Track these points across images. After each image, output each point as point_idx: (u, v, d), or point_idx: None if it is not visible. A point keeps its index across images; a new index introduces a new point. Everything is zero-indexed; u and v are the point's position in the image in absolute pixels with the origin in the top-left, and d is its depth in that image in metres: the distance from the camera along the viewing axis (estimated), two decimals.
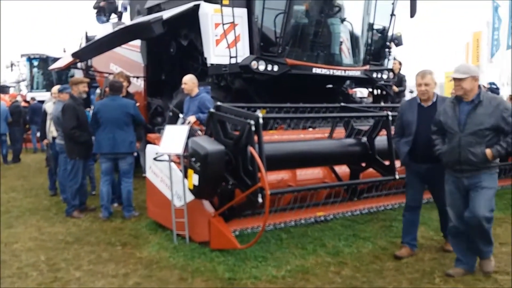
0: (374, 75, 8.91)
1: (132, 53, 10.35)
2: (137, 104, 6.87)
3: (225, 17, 7.60)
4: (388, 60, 18.55)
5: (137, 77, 10.20)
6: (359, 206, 6.19)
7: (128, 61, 10.55)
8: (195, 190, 4.58)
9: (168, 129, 5.04)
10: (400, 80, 10.70)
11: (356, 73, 8.47)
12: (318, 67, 7.93)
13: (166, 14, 8.05)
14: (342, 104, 6.88)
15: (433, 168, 4.62)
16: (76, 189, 6.55)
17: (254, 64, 7.43)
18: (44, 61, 19.34)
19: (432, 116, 4.55)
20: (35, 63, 19.74)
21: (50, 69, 14.57)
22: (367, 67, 8.78)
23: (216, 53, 7.97)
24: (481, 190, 4.12)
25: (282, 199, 5.78)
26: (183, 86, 6.81)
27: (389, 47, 9.71)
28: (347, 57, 8.49)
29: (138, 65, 10.18)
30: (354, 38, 8.57)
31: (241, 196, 4.52)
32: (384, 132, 5.71)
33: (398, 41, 21.50)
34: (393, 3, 8.96)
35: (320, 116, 6.21)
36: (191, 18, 8.19)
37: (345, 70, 8.24)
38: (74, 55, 9.37)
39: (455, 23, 61.22)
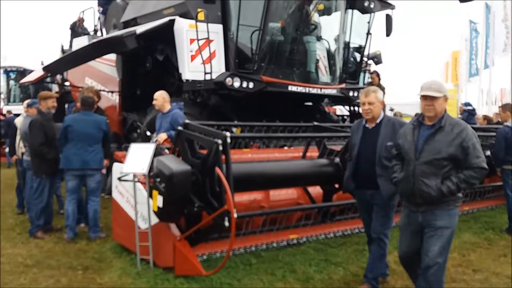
0: (351, 93, 8.87)
1: (107, 67, 10.17)
2: (108, 120, 6.67)
3: (200, 33, 7.51)
4: (366, 78, 18.76)
5: (112, 92, 10.01)
6: (332, 229, 6.04)
7: (103, 75, 10.36)
8: (159, 212, 4.39)
9: (134, 147, 4.86)
10: None
11: (332, 91, 8.41)
12: (294, 85, 7.85)
13: (140, 28, 7.91)
14: (315, 123, 6.79)
15: (377, 194, 4.27)
16: (41, 208, 6.29)
17: (229, 80, 7.32)
18: (22, 74, 18.99)
19: (375, 139, 4.25)
20: (12, 75, 19.40)
21: (21, 83, 14.26)
22: (344, 85, 8.73)
23: (191, 69, 7.86)
24: (435, 231, 3.63)
25: (253, 222, 5.62)
26: (153, 102, 6.65)
27: (366, 66, 9.66)
28: (323, 75, 8.42)
29: (113, 79, 10.00)
30: (330, 56, 8.52)
31: (208, 219, 4.34)
32: None
33: (377, 60, 21.68)
34: (369, 22, 8.97)
35: (291, 136, 6.06)
36: (166, 33, 8.06)
37: (321, 88, 8.16)
38: (45, 69, 9.16)
39: (436, 41, 62.20)
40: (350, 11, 8.67)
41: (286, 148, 6.95)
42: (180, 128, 4.75)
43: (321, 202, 5.90)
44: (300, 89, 7.88)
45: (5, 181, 12.09)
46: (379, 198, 4.27)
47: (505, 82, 19.63)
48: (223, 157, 4.27)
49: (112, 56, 9.81)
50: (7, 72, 19.24)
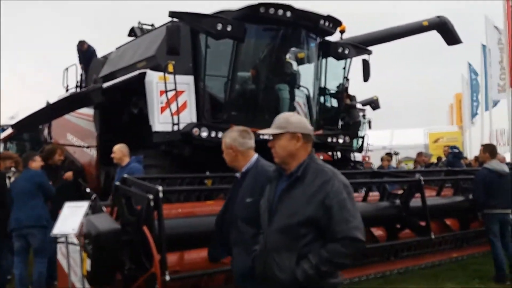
0: (329, 139, 8.61)
1: (85, 122, 10.10)
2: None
3: (169, 85, 7.42)
4: (363, 123, 18.51)
5: (89, 147, 9.90)
6: None
7: (82, 130, 10.28)
8: (88, 276, 4.10)
9: (68, 206, 4.62)
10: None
11: None
12: (264, 134, 7.62)
13: (107, 83, 7.86)
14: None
15: None
16: None
17: (195, 131, 7.15)
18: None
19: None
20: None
21: None
22: (321, 131, 8.51)
23: (161, 121, 7.72)
24: None
25: (215, 279, 5.27)
26: (112, 155, 6.48)
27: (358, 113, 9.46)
28: None
29: (92, 133, 9.91)
30: (304, 103, 8.36)
31: (138, 283, 4.02)
32: None
33: (375, 105, 21.59)
34: (344, 68, 8.85)
35: None
36: (139, 86, 8.01)
37: None
38: (14, 126, 9.13)
39: (439, 83, 62.37)
40: (324, 58, 8.59)
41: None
42: (117, 183, 4.52)
43: None
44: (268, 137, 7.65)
45: None
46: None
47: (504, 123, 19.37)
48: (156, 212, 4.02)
49: (91, 111, 9.77)
50: (3, 129, 19.35)
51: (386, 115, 36.93)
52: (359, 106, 18.98)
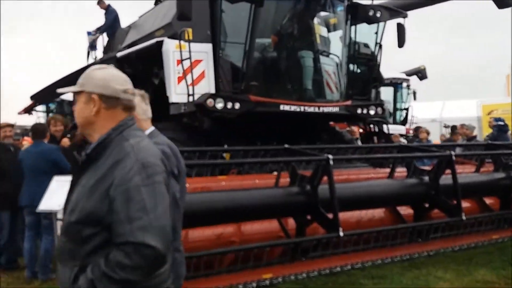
0: (359, 110, 8.00)
1: None
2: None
3: (186, 53, 7.05)
4: (408, 94, 17.52)
5: None
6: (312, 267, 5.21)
7: None
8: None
9: (57, 180, 4.36)
10: None
11: (333, 109, 7.60)
12: (287, 104, 7.15)
13: (121, 52, 7.57)
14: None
15: None
16: (1, 246, 5.92)
17: (210, 102, 6.75)
18: (60, 105, 19.39)
19: None
20: (52, 107, 19.80)
21: (18, 113, 14.22)
22: (349, 102, 7.91)
23: (178, 91, 7.36)
24: None
25: (220, 259, 4.94)
26: None
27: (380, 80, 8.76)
28: (323, 93, 7.68)
29: None
30: (331, 71, 7.77)
31: None
32: None
33: (421, 75, 20.50)
34: (376, 33, 8.15)
35: (255, 161, 5.30)
36: (158, 55, 7.69)
37: (319, 107, 7.39)
38: (32, 97, 9.02)
39: (495, 52, 58.45)
40: (353, 22, 7.93)
41: (275, 173, 6.27)
42: None
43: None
44: (294, 108, 7.17)
45: None
46: None
47: None
48: None
49: None
50: (46, 103, 19.64)
51: (438, 86, 35.20)
52: (403, 76, 18.07)
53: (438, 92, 31.24)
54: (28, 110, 8.45)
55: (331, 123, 9.62)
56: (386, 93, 17.92)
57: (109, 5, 10.85)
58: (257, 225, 5.36)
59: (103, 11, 10.80)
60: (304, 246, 4.91)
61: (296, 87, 7.40)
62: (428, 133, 10.10)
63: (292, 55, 7.38)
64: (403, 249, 5.76)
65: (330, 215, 4.68)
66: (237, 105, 6.91)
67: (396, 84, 17.18)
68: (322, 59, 7.65)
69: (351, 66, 8.10)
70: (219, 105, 6.79)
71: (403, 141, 11.90)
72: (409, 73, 19.30)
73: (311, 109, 7.31)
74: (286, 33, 7.40)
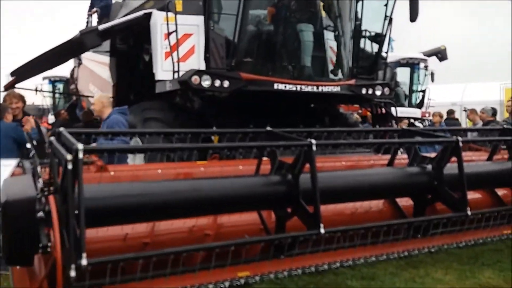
0: (363, 91, 7.35)
1: (104, 71, 9.45)
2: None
3: (180, 27, 6.53)
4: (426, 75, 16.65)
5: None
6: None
7: (102, 80, 9.65)
8: (3, 254, 3.35)
9: (2, 164, 3.88)
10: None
11: (334, 89, 6.97)
12: (281, 82, 6.55)
13: (104, 25, 7.03)
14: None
15: None
16: None
17: (195, 79, 6.20)
18: (67, 83, 19.10)
19: None
20: (58, 85, 19.57)
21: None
22: (353, 81, 7.27)
23: (165, 68, 6.82)
24: None
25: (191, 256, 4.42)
26: (91, 107, 5.71)
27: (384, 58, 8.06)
28: (322, 70, 7.04)
29: (110, 84, 9.25)
30: (331, 47, 7.12)
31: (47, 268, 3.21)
32: None
33: (441, 55, 19.53)
34: (386, 5, 7.44)
35: (221, 146, 4.70)
36: (147, 29, 7.16)
37: (317, 86, 6.77)
38: (12, 73, 8.57)
39: None
40: None
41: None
42: (52, 138, 3.67)
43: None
44: (289, 87, 6.57)
45: None
46: None
47: None
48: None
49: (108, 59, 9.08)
50: (52, 82, 19.42)
51: (459, 67, 33.81)
52: (421, 56, 17.19)
53: (459, 75, 29.86)
54: (9, 87, 8.09)
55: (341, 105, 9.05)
56: (402, 74, 17.12)
57: None
58: (235, 216, 4.83)
59: None
60: (281, 244, 4.35)
61: (293, 64, 6.78)
62: (441, 116, 9.38)
63: (290, 28, 6.74)
64: (400, 245, 5.16)
65: (311, 208, 4.11)
66: (226, 83, 6.35)
67: (412, 64, 16.36)
68: (323, 33, 7.00)
69: (356, 42, 7.43)
70: (206, 82, 6.24)
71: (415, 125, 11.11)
72: (428, 54, 18.40)
73: (308, 89, 6.70)
74: (284, 4, 6.74)
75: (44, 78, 19.56)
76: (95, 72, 9.90)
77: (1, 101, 6.84)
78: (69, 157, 3.11)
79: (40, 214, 3.29)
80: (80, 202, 3.07)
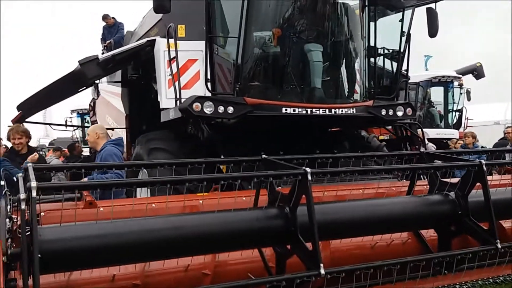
0: (383, 112, 6.80)
1: (119, 102, 9.28)
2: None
3: (181, 53, 6.26)
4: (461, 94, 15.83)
5: (120, 128, 9.07)
6: None
7: (116, 111, 9.49)
8: None
9: None
10: None
11: (349, 111, 6.45)
12: (290, 106, 6.10)
13: (104, 54, 6.84)
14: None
15: None
16: None
17: (196, 106, 5.83)
18: None
19: None
20: (87, 118, 19.76)
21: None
22: (370, 102, 6.74)
23: (169, 96, 6.56)
24: None
25: None
26: (86, 138, 5.44)
27: (406, 77, 7.51)
28: (335, 92, 6.57)
29: (122, 114, 9.06)
30: (344, 67, 6.64)
31: None
32: None
33: (478, 73, 18.68)
34: (401, 20, 6.96)
35: (199, 178, 4.11)
36: (152, 57, 6.96)
37: (330, 109, 6.28)
38: (19, 107, 8.46)
39: None
40: (371, 8, 6.77)
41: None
42: (19, 175, 3.37)
43: None
44: (299, 110, 6.11)
45: None
46: None
47: None
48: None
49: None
50: (81, 115, 19.66)
51: (503, 85, 32.43)
52: (454, 74, 16.41)
53: (503, 93, 28.62)
54: (17, 122, 8.03)
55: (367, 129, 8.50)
56: (436, 93, 16.41)
57: (115, 20, 10.30)
58: (236, 253, 4.37)
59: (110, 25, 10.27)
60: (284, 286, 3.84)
61: (302, 87, 6.32)
62: (474, 137, 8.68)
63: (297, 49, 6.31)
64: (425, 283, 4.56)
65: (310, 246, 3.60)
66: (230, 109, 5.95)
67: (445, 82, 15.61)
68: (333, 53, 6.55)
69: (372, 61, 6.94)
70: (208, 109, 5.86)
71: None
72: (463, 72, 17.63)
73: (320, 112, 6.22)
74: (290, 24, 6.35)
75: (72, 111, 19.84)
76: (111, 104, 9.76)
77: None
78: (22, 195, 2.78)
79: (3, 258, 2.97)
80: (34, 245, 2.72)
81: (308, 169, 3.56)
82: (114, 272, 3.79)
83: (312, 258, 3.54)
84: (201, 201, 4.50)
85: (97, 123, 11.46)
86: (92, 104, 12.16)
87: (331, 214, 3.91)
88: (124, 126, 8.94)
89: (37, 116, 10.60)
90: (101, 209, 4.05)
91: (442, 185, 4.54)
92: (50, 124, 12.86)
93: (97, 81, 11.10)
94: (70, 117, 19.64)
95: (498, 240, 4.13)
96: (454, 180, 4.56)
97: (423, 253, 4.69)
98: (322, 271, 3.46)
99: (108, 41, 10.19)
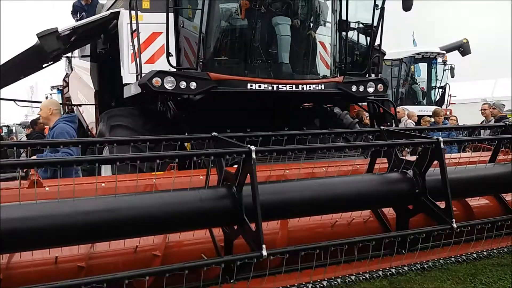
0: (353, 88, 6.64)
1: (88, 77, 9.02)
2: None
3: (144, 25, 6.03)
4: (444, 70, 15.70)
5: (90, 105, 8.83)
6: None
7: (87, 87, 9.22)
8: None
9: None
10: None
11: (317, 87, 6.28)
12: (255, 82, 5.91)
13: (64, 27, 6.56)
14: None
15: None
16: None
17: (156, 81, 5.62)
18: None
19: None
20: None
21: None
22: (340, 78, 6.57)
23: (131, 71, 6.34)
24: None
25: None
26: (38, 113, 5.24)
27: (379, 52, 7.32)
28: (303, 68, 6.38)
29: (92, 90, 8.81)
30: (313, 42, 6.44)
31: None
32: None
33: (464, 49, 18.49)
34: None
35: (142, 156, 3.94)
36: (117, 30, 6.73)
37: (297, 85, 6.10)
38: None
39: None
40: None
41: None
42: None
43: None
44: (265, 86, 5.93)
45: None
46: None
47: None
48: None
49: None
50: (61, 91, 19.23)
51: (490, 62, 32.36)
52: (437, 50, 16.24)
53: (489, 70, 28.54)
54: None
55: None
56: (419, 70, 16.27)
57: None
58: (188, 233, 4.23)
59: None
60: (230, 267, 3.71)
61: (269, 62, 6.13)
62: (442, 115, 8.56)
63: (264, 22, 6.10)
64: (384, 262, 4.47)
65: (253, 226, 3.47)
66: (193, 85, 5.75)
67: (429, 59, 15.42)
68: (302, 27, 6.34)
69: (343, 35, 6.74)
70: (169, 85, 5.66)
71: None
72: (449, 48, 17.44)
73: (287, 88, 6.04)
74: None
75: (52, 88, 19.45)
76: (83, 79, 9.49)
77: None
78: None
79: None
80: None
81: (253, 147, 3.40)
82: (57, 254, 3.66)
83: (255, 239, 3.41)
84: (154, 180, 4.35)
85: (70, 99, 11.21)
86: (66, 79, 11.85)
87: (278, 193, 3.77)
88: (94, 103, 8.70)
89: (23, 93, 10.29)
90: (47, 188, 3.91)
91: (400, 163, 4.42)
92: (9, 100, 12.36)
93: (69, 56, 10.87)
94: (50, 94, 19.24)
95: (454, 220, 4.02)
96: (412, 158, 4.44)
97: (382, 232, 4.60)
98: (264, 252, 3.33)
99: (81, 15, 9.85)
